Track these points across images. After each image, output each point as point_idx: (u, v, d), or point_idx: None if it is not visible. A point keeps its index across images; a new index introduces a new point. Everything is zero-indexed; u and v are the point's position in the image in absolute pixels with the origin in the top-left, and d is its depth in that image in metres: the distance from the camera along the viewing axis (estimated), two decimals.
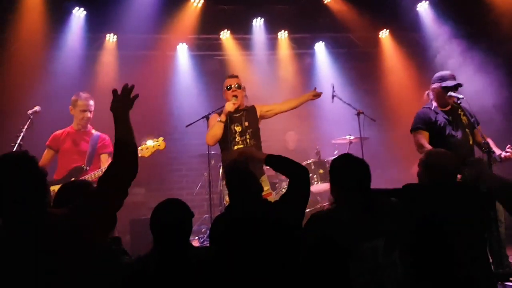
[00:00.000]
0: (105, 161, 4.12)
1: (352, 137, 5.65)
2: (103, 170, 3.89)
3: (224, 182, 4.04)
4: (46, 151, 4.13)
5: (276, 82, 6.88)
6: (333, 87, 5.20)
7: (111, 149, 4.19)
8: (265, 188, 3.58)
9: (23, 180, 1.64)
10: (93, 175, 3.96)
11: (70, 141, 4.13)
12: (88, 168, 4.07)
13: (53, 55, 5.76)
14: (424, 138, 3.74)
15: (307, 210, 5.16)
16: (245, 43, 6.77)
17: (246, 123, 4.00)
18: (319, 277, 2.15)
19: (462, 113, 3.79)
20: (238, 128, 3.96)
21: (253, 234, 2.30)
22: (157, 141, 4.07)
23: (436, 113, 3.81)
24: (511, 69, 5.37)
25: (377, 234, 2.05)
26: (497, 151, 3.58)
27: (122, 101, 1.92)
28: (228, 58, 6.87)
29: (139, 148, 3.89)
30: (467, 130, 3.75)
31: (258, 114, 4.09)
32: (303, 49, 7.08)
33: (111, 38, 6.23)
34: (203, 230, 5.83)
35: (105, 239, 1.96)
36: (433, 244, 2.20)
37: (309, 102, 4.13)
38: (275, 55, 6.98)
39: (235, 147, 3.93)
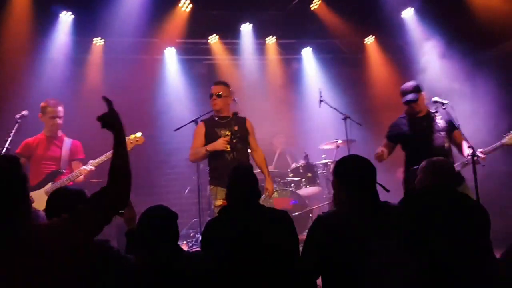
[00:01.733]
0: (76, 167, 4.12)
1: (339, 141, 5.73)
2: (78, 174, 3.95)
3: (211, 187, 4.08)
4: None
5: (264, 87, 6.93)
6: (320, 93, 5.29)
7: (82, 155, 4.23)
8: None
9: (6, 183, 1.60)
10: (71, 177, 3.98)
11: (42, 147, 4.14)
12: (64, 171, 4.10)
13: (40, 59, 5.72)
14: (382, 146, 3.92)
15: (296, 213, 5.27)
16: (233, 48, 6.81)
17: (236, 128, 4.03)
18: (331, 277, 2.14)
19: (437, 118, 3.87)
20: (227, 133, 3.98)
21: (254, 238, 2.29)
22: (134, 136, 3.99)
23: (409, 121, 3.93)
24: (499, 74, 5.47)
25: (388, 233, 2.07)
26: (480, 155, 3.66)
27: (115, 115, 1.77)
28: (216, 62, 6.91)
29: None
30: (442, 134, 3.82)
31: (248, 129, 4.14)
32: (290, 55, 7.16)
33: (98, 42, 6.21)
34: (191, 234, 5.83)
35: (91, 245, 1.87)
36: (432, 249, 2.20)
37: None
38: (262, 60, 7.04)
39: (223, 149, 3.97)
